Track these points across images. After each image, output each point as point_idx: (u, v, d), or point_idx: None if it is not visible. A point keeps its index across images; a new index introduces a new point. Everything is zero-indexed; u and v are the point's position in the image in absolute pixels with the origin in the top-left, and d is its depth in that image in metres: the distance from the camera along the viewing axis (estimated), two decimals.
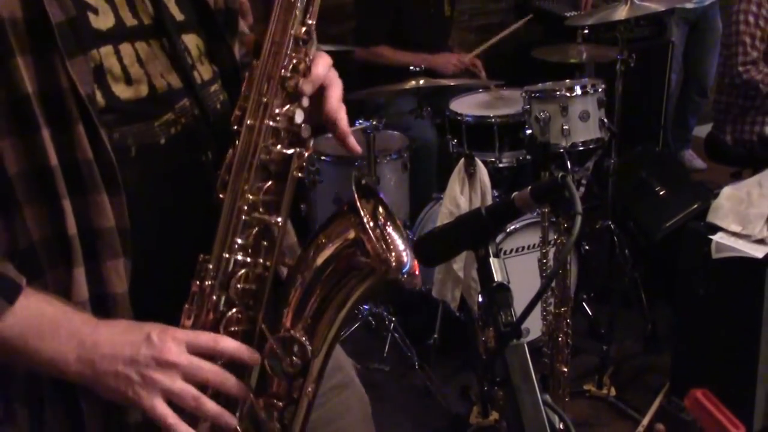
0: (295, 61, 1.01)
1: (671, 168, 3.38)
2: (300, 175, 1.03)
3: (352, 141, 1.10)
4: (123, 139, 1.00)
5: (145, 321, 0.98)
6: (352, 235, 0.99)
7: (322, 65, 1.06)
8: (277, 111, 1.00)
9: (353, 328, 3.07)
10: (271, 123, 1.00)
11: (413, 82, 2.91)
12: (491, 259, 0.98)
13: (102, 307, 0.98)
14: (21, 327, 0.92)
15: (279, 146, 1.01)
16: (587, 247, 3.12)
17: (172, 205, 1.07)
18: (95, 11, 0.98)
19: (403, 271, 0.98)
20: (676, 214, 3.06)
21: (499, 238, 2.76)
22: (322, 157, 3.06)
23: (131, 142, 1.01)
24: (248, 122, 1.00)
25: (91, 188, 0.95)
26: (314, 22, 1.02)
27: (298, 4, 1.00)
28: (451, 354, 2.99)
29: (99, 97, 0.97)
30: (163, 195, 1.06)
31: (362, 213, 0.97)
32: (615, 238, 3.08)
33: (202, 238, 1.02)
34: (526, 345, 0.92)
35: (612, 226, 3.08)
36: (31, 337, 0.92)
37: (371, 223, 0.98)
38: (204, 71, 1.13)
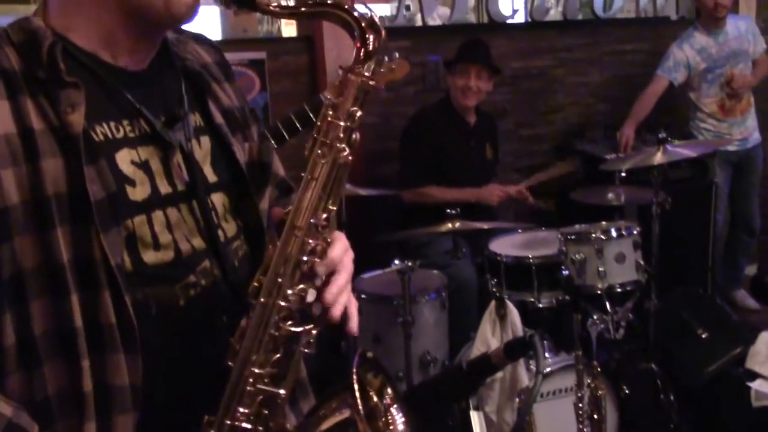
0: (312, 245, 1.07)
1: (713, 310, 3.34)
2: (307, 351, 1.08)
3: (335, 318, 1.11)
4: (145, 300, 1.05)
5: None
6: (347, 414, 1.04)
7: (339, 249, 1.12)
8: (289, 292, 1.06)
9: None
10: (282, 303, 1.06)
11: (449, 225, 3.00)
12: (471, 412, 1.02)
13: None
14: None
15: (289, 323, 1.07)
16: (627, 391, 3.06)
17: (185, 364, 1.11)
18: (133, 184, 1.05)
19: None
20: (718, 359, 3.00)
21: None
22: (362, 296, 3.12)
23: (152, 303, 1.06)
24: (262, 300, 1.06)
25: (110, 349, 1.00)
26: (336, 209, 1.08)
27: (322, 195, 1.07)
28: None
29: (128, 263, 1.03)
30: (178, 353, 1.10)
31: (357, 395, 1.02)
32: (658, 381, 3.02)
33: (211, 398, 1.06)
34: None
35: (655, 369, 3.02)
36: None
37: (371, 402, 1.04)
38: (228, 228, 1.18)
